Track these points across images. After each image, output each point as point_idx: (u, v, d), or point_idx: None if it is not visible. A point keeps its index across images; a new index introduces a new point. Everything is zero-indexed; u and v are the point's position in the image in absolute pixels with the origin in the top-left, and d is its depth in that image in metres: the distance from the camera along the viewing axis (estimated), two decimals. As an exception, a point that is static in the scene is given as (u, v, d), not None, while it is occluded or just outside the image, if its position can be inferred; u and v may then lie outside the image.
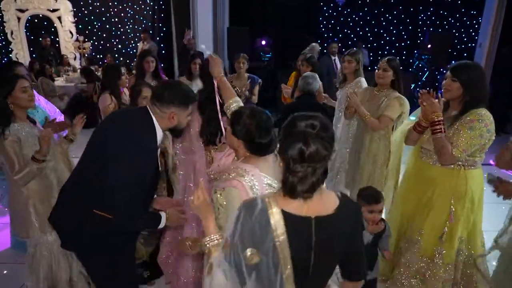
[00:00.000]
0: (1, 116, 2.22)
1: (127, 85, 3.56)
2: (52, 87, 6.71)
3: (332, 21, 10.07)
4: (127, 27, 9.47)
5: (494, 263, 2.45)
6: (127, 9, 9.32)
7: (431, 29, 9.60)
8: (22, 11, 8.68)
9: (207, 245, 1.45)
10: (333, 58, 6.48)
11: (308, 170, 1.19)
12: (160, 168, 2.10)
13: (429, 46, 8.68)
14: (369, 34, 10.01)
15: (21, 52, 8.82)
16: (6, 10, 8.55)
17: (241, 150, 1.73)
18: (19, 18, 8.70)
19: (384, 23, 9.92)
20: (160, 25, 9.35)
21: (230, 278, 1.30)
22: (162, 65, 5.92)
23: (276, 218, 1.21)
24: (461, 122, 2.27)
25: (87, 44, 8.63)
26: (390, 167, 3.16)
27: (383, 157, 3.12)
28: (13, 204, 2.45)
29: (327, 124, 1.24)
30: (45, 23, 9.09)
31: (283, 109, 3.42)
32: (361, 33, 10.01)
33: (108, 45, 9.51)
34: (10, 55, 8.83)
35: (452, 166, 2.36)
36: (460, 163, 2.34)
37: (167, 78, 4.74)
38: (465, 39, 9.70)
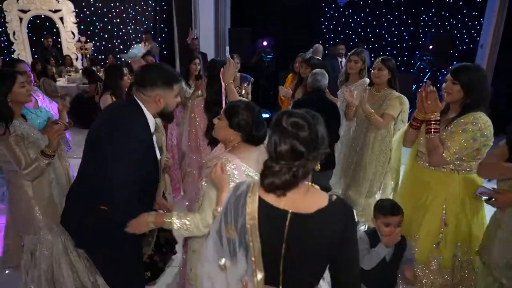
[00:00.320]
0: (5, 112, 2.23)
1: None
2: (54, 88, 6.72)
3: (334, 22, 10.06)
4: (129, 28, 9.48)
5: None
6: (129, 10, 9.33)
7: (433, 30, 9.58)
8: (24, 11, 8.70)
9: (216, 213, 1.58)
10: (339, 60, 6.39)
11: (282, 168, 1.22)
12: (159, 158, 2.09)
13: (430, 47, 8.67)
14: (370, 35, 9.99)
15: (23, 53, 8.83)
16: (8, 10, 8.57)
17: (234, 141, 1.82)
18: (21, 19, 8.71)
19: (385, 24, 9.91)
20: (162, 26, 9.37)
21: (214, 247, 1.41)
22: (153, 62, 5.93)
23: (252, 203, 1.29)
24: (455, 124, 2.23)
25: (89, 45, 8.65)
26: (390, 167, 3.18)
27: (385, 156, 3.15)
28: (15, 203, 2.45)
29: (314, 124, 1.23)
30: (47, 23, 9.11)
31: (293, 104, 3.44)
32: (362, 33, 9.99)
33: (110, 45, 9.52)
34: (12, 56, 8.85)
35: (445, 170, 2.31)
36: (453, 167, 2.29)
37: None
38: (466, 40, 9.68)
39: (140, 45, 2.46)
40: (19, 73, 2.39)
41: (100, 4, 9.24)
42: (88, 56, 8.60)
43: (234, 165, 1.73)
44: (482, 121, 2.17)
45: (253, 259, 1.31)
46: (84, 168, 1.98)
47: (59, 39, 9.06)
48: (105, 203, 1.82)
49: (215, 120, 1.90)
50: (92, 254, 2.17)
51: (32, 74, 2.92)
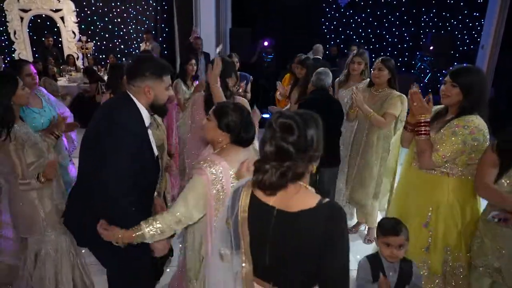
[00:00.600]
0: (8, 117, 2.21)
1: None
2: (55, 87, 6.69)
3: (334, 22, 10.07)
4: (129, 27, 9.48)
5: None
6: (130, 10, 9.33)
7: (433, 30, 9.59)
8: (25, 11, 8.69)
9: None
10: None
11: (272, 168, 1.24)
12: (156, 154, 2.08)
13: (431, 47, 8.69)
14: (371, 36, 9.99)
15: (24, 52, 8.83)
16: (9, 10, 8.57)
17: (223, 143, 1.83)
18: (22, 18, 8.71)
19: (386, 25, 9.91)
20: (163, 25, 9.37)
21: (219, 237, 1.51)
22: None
23: (246, 197, 1.36)
24: (447, 127, 2.18)
25: (90, 44, 8.64)
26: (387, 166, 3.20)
27: (388, 155, 3.17)
28: (17, 205, 2.43)
29: (303, 126, 1.22)
30: (48, 23, 9.11)
31: (300, 104, 3.44)
32: (363, 34, 10.00)
33: (110, 45, 9.52)
34: (13, 55, 8.85)
35: (436, 172, 2.26)
36: (445, 169, 2.23)
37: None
38: (467, 40, 9.68)
39: None
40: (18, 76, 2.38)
41: (101, 4, 9.25)
42: (89, 55, 8.60)
43: (221, 169, 1.74)
44: (474, 124, 2.11)
45: (243, 250, 1.38)
46: (82, 167, 1.98)
47: (60, 39, 9.06)
48: (101, 198, 1.80)
49: (204, 121, 1.89)
50: (95, 252, 2.16)
51: (37, 76, 2.90)
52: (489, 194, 2.09)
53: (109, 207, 1.81)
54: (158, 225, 1.73)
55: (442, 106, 2.37)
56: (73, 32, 9.03)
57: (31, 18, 8.88)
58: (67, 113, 3.14)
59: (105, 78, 7.01)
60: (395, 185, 3.06)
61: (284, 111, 1.28)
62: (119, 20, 9.40)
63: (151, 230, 1.73)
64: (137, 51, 9.37)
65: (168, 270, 3.07)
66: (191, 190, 1.76)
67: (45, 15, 8.96)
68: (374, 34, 10.00)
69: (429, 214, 2.30)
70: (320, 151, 1.28)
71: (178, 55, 8.63)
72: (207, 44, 7.16)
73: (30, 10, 8.71)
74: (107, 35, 9.51)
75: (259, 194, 1.33)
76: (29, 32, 8.93)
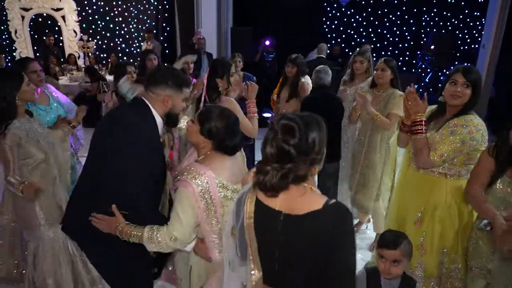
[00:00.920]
0: (8, 113, 2.23)
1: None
2: (56, 86, 6.71)
3: (336, 22, 10.07)
4: (131, 26, 9.49)
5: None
6: (131, 9, 9.34)
7: (434, 30, 9.58)
8: (26, 10, 8.70)
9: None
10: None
11: (273, 169, 1.23)
12: (166, 160, 2.10)
13: (432, 47, 8.69)
14: (372, 35, 9.99)
15: (25, 51, 8.84)
16: (10, 9, 8.58)
17: (206, 149, 1.75)
18: (23, 17, 8.71)
19: (387, 24, 9.91)
20: (164, 25, 9.37)
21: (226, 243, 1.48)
22: (166, 64, 5.92)
23: (250, 203, 1.33)
24: (446, 126, 2.17)
25: (91, 44, 8.64)
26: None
27: (389, 155, 3.18)
28: (15, 197, 2.42)
29: (305, 129, 1.21)
30: (49, 22, 9.12)
31: (302, 104, 3.45)
32: (364, 33, 10.00)
33: (112, 44, 9.53)
34: (14, 54, 8.86)
35: (434, 173, 2.25)
36: (442, 170, 2.22)
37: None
38: (468, 40, 9.68)
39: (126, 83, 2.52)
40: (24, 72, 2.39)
41: (102, 3, 9.25)
42: (90, 54, 8.61)
43: (207, 179, 1.66)
44: (473, 124, 2.10)
45: (251, 257, 1.34)
46: (88, 167, 1.99)
47: (61, 38, 9.07)
48: (119, 197, 1.81)
49: (189, 123, 1.83)
50: (93, 256, 2.14)
51: (43, 73, 2.92)
52: (472, 202, 2.13)
53: (129, 205, 1.81)
54: (158, 237, 1.70)
55: (435, 106, 2.35)
56: (74, 31, 9.04)
57: (32, 17, 8.88)
58: (73, 106, 3.19)
59: (107, 77, 7.06)
60: (395, 185, 3.07)
61: (288, 114, 1.27)
62: (120, 19, 9.41)
63: (149, 234, 1.71)
64: (138, 50, 9.38)
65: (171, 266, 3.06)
66: (179, 204, 1.69)
67: (46, 14, 8.96)
68: (375, 34, 10.00)
69: (419, 214, 2.29)
70: (322, 154, 1.27)
71: (179, 54, 8.63)
72: (209, 43, 7.16)
73: (31, 9, 8.72)
74: (108, 34, 9.52)
75: (265, 199, 1.31)
76: (30, 31, 8.93)
